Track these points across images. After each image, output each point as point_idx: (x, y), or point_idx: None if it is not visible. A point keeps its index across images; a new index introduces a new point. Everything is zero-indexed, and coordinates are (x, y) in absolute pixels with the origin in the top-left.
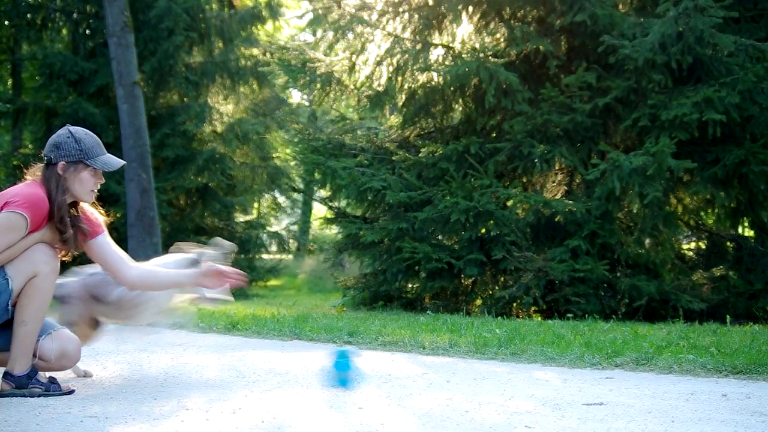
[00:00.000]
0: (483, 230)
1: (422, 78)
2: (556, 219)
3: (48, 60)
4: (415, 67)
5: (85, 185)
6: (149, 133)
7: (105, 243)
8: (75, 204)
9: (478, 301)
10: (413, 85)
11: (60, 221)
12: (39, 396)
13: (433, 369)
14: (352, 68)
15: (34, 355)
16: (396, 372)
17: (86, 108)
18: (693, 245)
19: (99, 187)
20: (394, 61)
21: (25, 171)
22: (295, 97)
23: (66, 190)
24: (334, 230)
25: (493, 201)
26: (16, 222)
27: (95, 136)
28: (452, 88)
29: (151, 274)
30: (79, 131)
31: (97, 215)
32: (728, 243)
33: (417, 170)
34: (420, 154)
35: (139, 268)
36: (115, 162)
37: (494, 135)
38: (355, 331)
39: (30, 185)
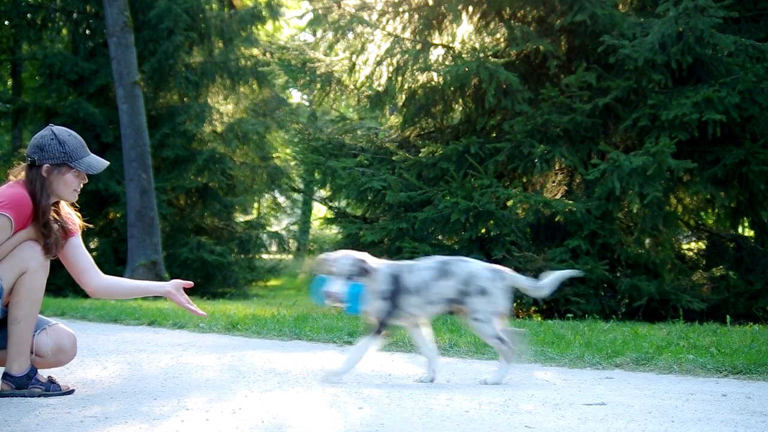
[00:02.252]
0: (483, 230)
1: (422, 78)
2: (556, 219)
3: (48, 60)
4: (415, 67)
5: (69, 186)
6: (149, 133)
7: (79, 245)
8: (56, 203)
9: None
10: (413, 85)
11: (44, 226)
12: (39, 396)
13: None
14: (352, 68)
15: (31, 352)
16: (396, 372)
17: (86, 108)
18: (693, 245)
19: (82, 186)
20: (394, 61)
21: (8, 171)
22: (295, 97)
23: (50, 192)
24: (334, 230)
25: (493, 201)
26: (1, 224)
27: (79, 136)
28: (452, 88)
29: (117, 282)
30: (63, 132)
31: (74, 217)
32: (728, 243)
33: (417, 170)
34: (420, 154)
35: (105, 277)
36: (100, 164)
37: (494, 135)
38: (355, 331)
39: (13, 186)
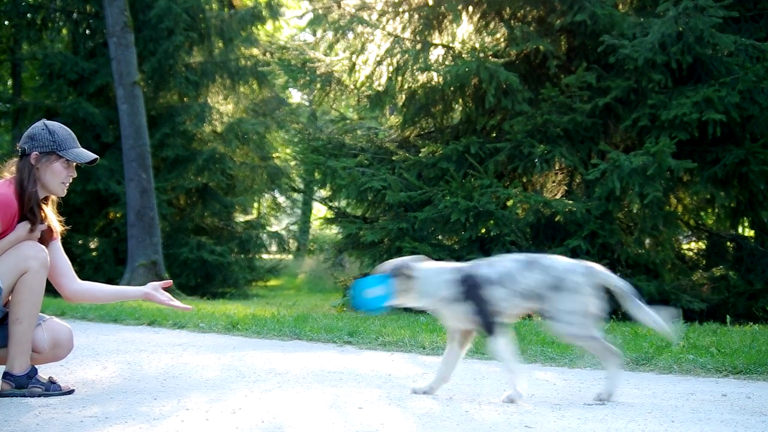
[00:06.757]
0: (483, 230)
1: (422, 78)
2: (556, 219)
3: (48, 60)
4: (415, 67)
5: (56, 176)
6: (149, 133)
7: (59, 248)
8: (44, 201)
9: None
10: (413, 85)
11: (30, 211)
12: (39, 396)
13: (433, 369)
14: (352, 68)
15: None
16: (396, 372)
17: (86, 108)
18: (693, 245)
19: (71, 180)
20: (394, 61)
21: (1, 167)
22: (295, 97)
23: (37, 180)
24: (334, 230)
25: (493, 201)
26: None
27: (70, 130)
28: (452, 88)
29: (94, 287)
30: (54, 124)
31: (56, 222)
32: (728, 243)
33: (417, 170)
34: (420, 154)
35: (83, 282)
36: (87, 155)
37: (494, 135)
38: (355, 331)
39: (1, 185)
